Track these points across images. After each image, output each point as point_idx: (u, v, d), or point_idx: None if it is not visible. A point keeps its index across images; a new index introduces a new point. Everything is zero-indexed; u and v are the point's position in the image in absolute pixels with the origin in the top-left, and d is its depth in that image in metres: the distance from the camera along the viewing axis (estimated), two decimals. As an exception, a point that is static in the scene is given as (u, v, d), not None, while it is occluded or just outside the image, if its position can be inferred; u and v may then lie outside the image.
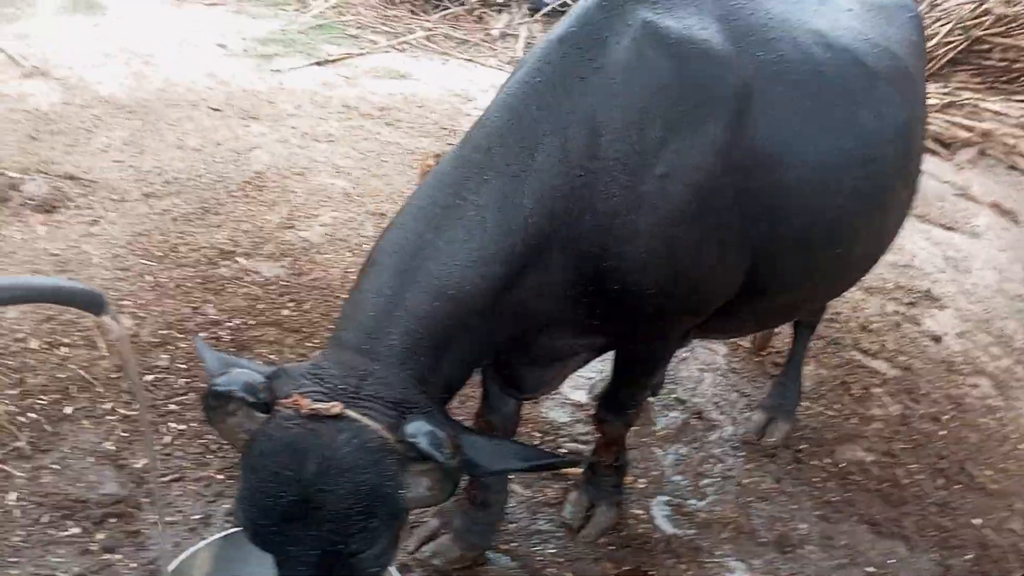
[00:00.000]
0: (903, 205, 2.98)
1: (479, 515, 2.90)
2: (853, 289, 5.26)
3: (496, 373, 2.61)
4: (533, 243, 2.09)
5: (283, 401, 1.79)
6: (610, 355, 4.01)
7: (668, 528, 3.23)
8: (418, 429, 1.75)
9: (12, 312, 3.56)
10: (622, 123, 2.16)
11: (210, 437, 3.16)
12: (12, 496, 2.79)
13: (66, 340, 3.49)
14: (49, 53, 6.24)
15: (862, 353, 4.69)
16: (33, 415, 3.10)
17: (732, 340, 4.43)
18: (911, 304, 5.36)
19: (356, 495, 1.72)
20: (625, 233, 2.20)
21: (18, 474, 2.86)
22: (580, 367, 2.74)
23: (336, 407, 1.76)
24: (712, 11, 2.36)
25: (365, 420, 1.76)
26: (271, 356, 3.63)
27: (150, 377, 3.39)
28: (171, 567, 2.28)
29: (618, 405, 2.87)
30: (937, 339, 5.00)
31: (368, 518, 1.74)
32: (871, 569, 3.25)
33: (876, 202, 2.69)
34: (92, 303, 1.59)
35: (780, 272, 2.57)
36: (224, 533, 2.55)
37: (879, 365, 4.61)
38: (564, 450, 3.51)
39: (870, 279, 5.46)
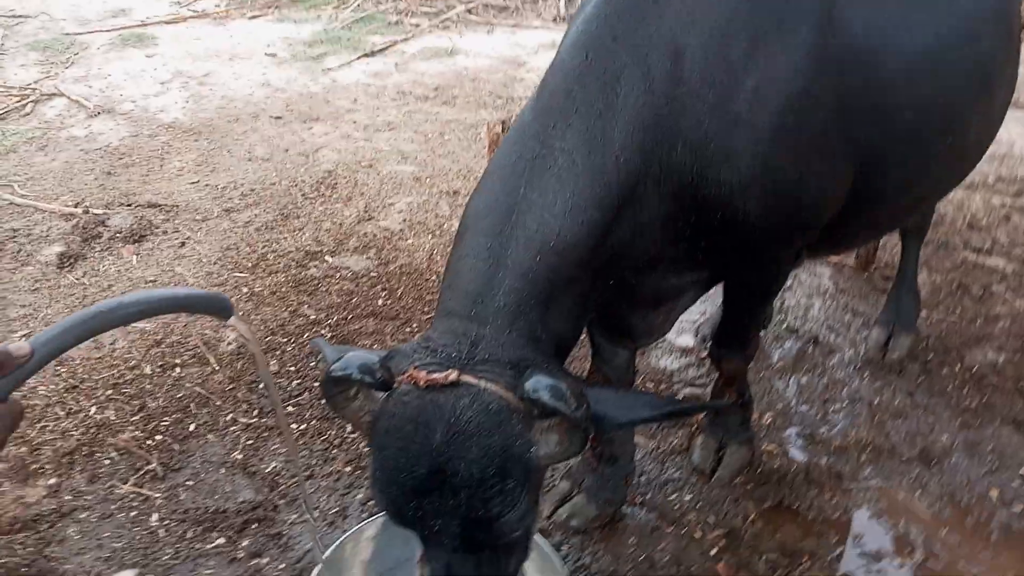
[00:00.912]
0: (1009, 84, 2.78)
1: (609, 471, 2.85)
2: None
3: (605, 324, 2.54)
4: (627, 181, 2.00)
5: (400, 378, 1.77)
6: (714, 293, 3.91)
7: (803, 458, 3.13)
8: (538, 383, 1.69)
9: (121, 342, 3.66)
10: (704, 41, 2.04)
11: (332, 432, 3.18)
12: (155, 517, 2.86)
13: (177, 361, 3.56)
14: (110, 91, 6.40)
15: (975, 252, 4.46)
16: (160, 437, 3.18)
17: (841, 256, 4.27)
18: (1017, 194, 5.08)
19: (487, 458, 1.67)
20: (721, 156, 2.08)
21: (156, 495, 2.93)
22: (689, 306, 2.65)
23: (452, 374, 1.71)
24: None
25: (483, 383, 1.71)
26: (373, 346, 3.63)
27: (262, 385, 3.44)
28: (325, 556, 2.30)
29: (735, 340, 2.77)
30: (1052, 225, 4.73)
31: (503, 480, 1.69)
32: (1025, 471, 3.09)
33: (983, 83, 2.53)
34: (220, 308, 1.59)
35: (893, 172, 2.43)
36: (371, 519, 2.57)
37: (995, 262, 4.38)
38: (681, 397, 3.43)
39: (970, 174, 5.20)
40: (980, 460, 3.15)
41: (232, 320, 1.62)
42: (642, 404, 1.86)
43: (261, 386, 3.41)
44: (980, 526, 2.88)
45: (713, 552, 2.75)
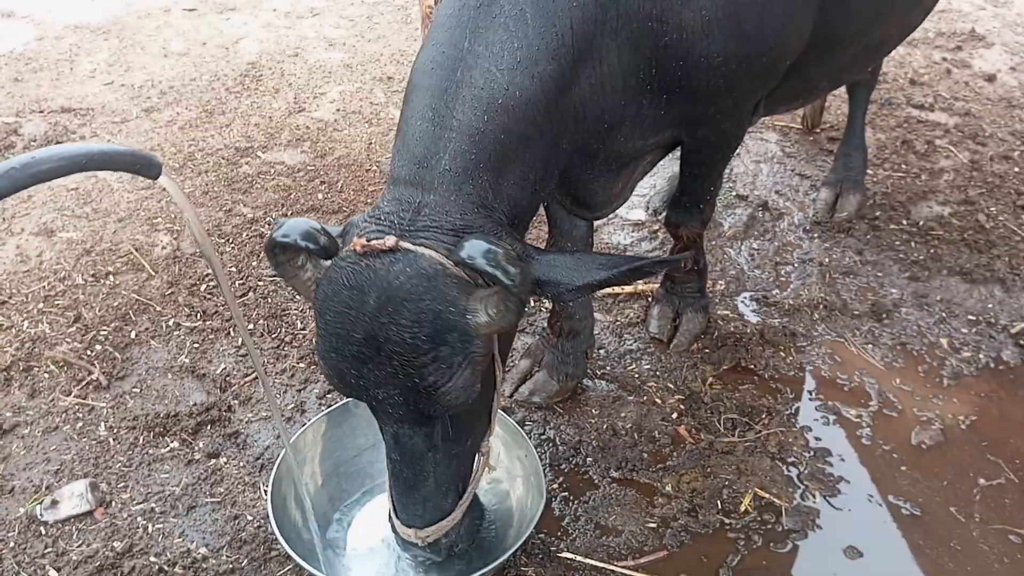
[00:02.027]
0: None
1: (569, 346, 2.82)
2: (895, 45, 4.98)
3: (565, 192, 2.45)
4: (582, 30, 1.88)
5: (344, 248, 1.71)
6: (662, 165, 3.85)
7: (759, 321, 3.14)
8: (474, 248, 1.63)
9: (48, 253, 3.47)
10: None
11: (283, 330, 3.09)
12: (103, 427, 2.76)
13: (110, 269, 3.40)
14: (6, -8, 5.92)
15: (917, 108, 4.46)
16: (99, 347, 3.04)
17: (786, 119, 4.23)
18: (957, 48, 5.06)
19: (419, 324, 1.62)
20: (664, 7, 1.97)
21: (101, 405, 2.83)
22: (646, 173, 2.58)
23: (390, 240, 1.65)
24: None
25: (420, 249, 1.65)
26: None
27: (204, 287, 3.30)
28: (286, 449, 2.25)
29: (693, 204, 2.72)
30: (991, 78, 4.74)
31: (436, 347, 1.64)
32: (972, 317, 3.15)
33: None
34: (147, 165, 1.46)
35: (856, 10, 2.36)
36: (330, 410, 2.52)
37: (937, 116, 4.38)
38: (635, 269, 3.40)
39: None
40: (930, 311, 3.20)
41: (162, 179, 1.50)
42: (597, 265, 1.78)
43: (200, 256, 3.27)
44: (932, 373, 2.95)
45: (674, 416, 2.77)
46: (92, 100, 4.57)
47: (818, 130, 4.20)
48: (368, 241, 1.65)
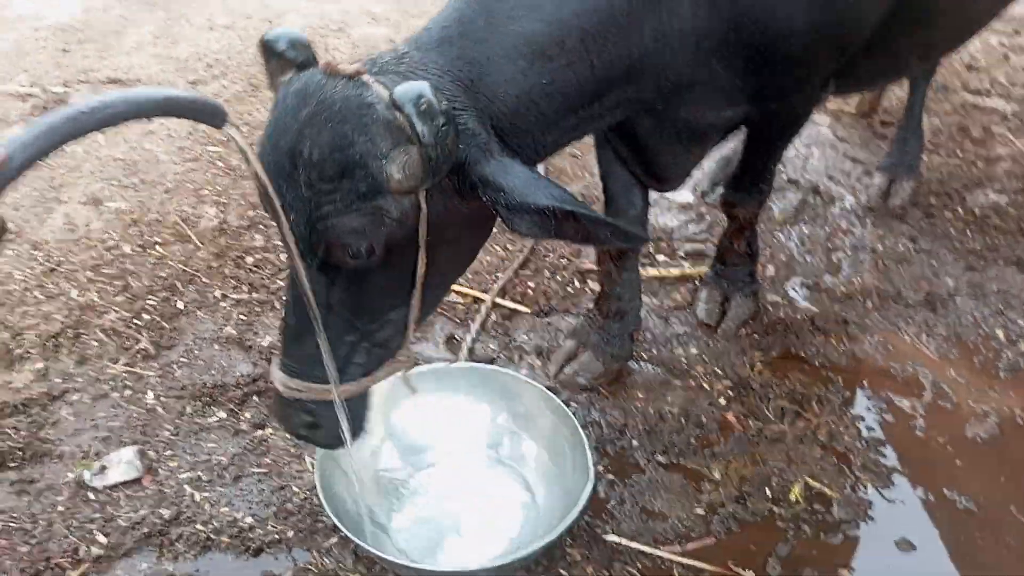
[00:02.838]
0: None
1: (615, 327, 2.79)
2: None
3: (635, 161, 2.44)
4: None
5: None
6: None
7: (810, 307, 3.08)
8: (407, 89, 1.57)
9: (96, 222, 3.49)
10: None
11: (326, 303, 3.08)
12: (150, 395, 2.78)
13: (157, 239, 3.41)
14: (54, -37, 5.96)
15: (973, 94, 4.34)
16: (147, 316, 3.06)
17: (838, 104, 4.13)
18: (1015, 32, 4.92)
19: (334, 147, 1.58)
20: None
21: (149, 374, 2.84)
22: (709, 150, 2.54)
23: (353, 67, 1.64)
24: None
25: (374, 84, 1.62)
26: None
27: (250, 260, 3.31)
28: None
29: (752, 182, 2.68)
30: (1051, 64, 4.59)
31: (342, 177, 1.60)
32: (1030, 309, 3.07)
33: None
34: (213, 113, 1.42)
35: None
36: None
37: (994, 103, 4.27)
38: (682, 254, 3.35)
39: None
40: (985, 301, 3.12)
41: (226, 128, 1.47)
42: (545, 192, 1.68)
43: (246, 228, 3.28)
44: (987, 365, 2.88)
45: (722, 402, 2.73)
46: (138, 71, 4.58)
47: (876, 114, 4.10)
48: (338, 65, 1.64)
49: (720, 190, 3.59)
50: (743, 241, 2.87)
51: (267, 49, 1.73)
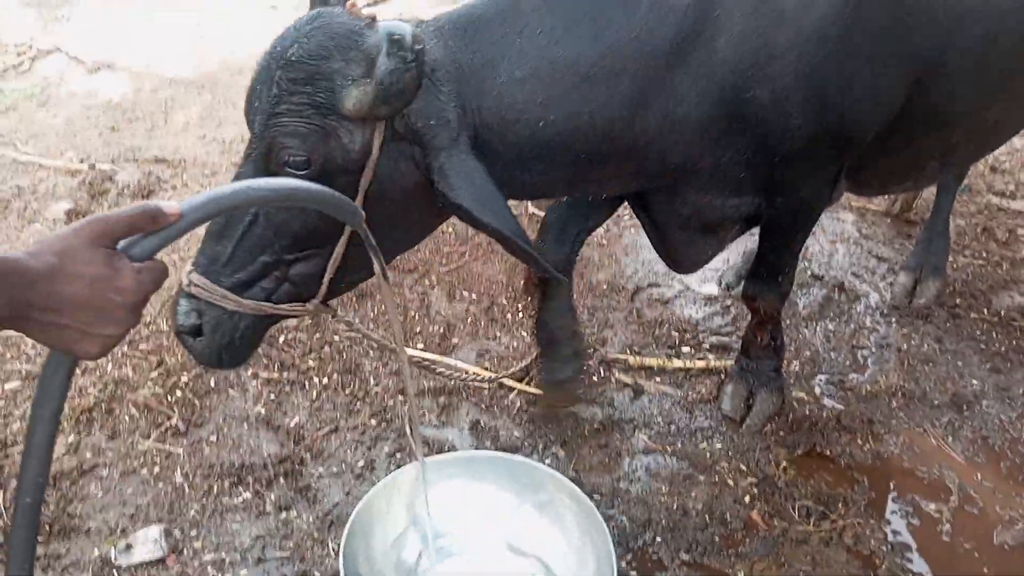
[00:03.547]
0: None
1: (552, 353, 2.94)
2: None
3: (654, 237, 2.56)
4: (650, 64, 1.97)
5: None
6: (736, 241, 3.84)
7: (835, 405, 3.08)
8: (392, 26, 1.73)
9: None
10: None
11: (356, 385, 3.14)
12: (179, 473, 2.81)
13: (193, 316, 3.49)
14: (108, 46, 6.24)
15: (998, 196, 4.39)
16: (180, 393, 3.12)
17: (863, 201, 4.19)
18: (1040, 136, 4.98)
19: (313, 54, 1.74)
20: (765, 55, 2.02)
21: (179, 451, 2.89)
22: (729, 243, 2.62)
23: (372, 12, 1.80)
24: None
25: (379, 27, 1.75)
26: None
27: (282, 339, 3.38)
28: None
29: (770, 276, 2.71)
30: (1076, 168, 4.64)
31: (307, 83, 1.74)
32: (1058, 414, 3.05)
33: None
34: (352, 212, 1.54)
35: (962, 92, 2.33)
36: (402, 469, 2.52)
37: (1019, 205, 4.31)
38: (707, 346, 3.38)
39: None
40: (1012, 404, 3.11)
41: (363, 228, 1.59)
42: (492, 211, 1.81)
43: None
44: (1014, 470, 2.86)
45: (747, 499, 2.72)
46: (184, 152, 4.76)
47: (912, 214, 4.14)
48: (357, 6, 1.81)
49: (744, 283, 3.66)
50: (766, 335, 2.90)
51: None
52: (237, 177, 1.90)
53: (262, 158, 1.83)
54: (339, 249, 1.91)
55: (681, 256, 2.60)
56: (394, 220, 1.94)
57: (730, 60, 2.00)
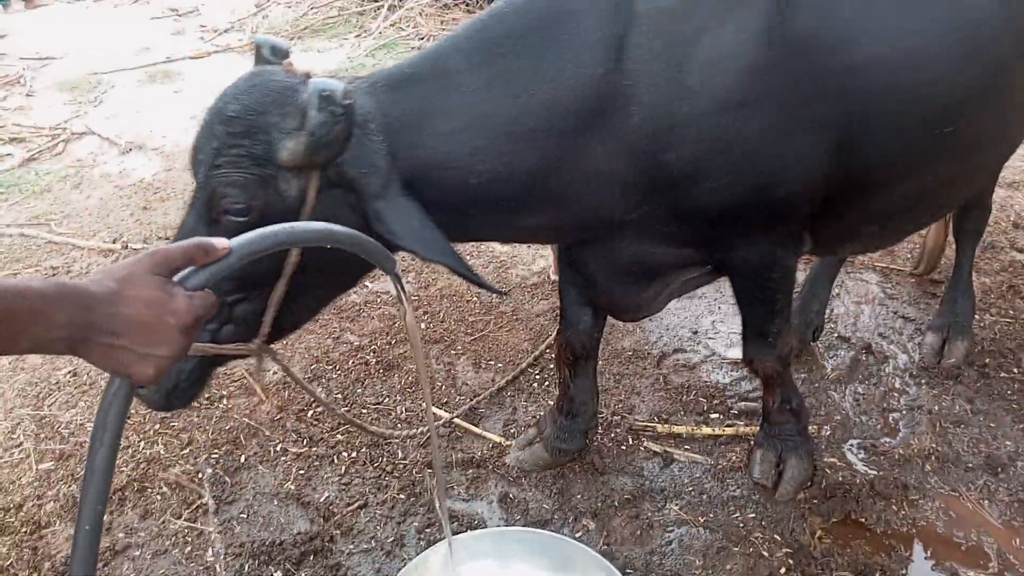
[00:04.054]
0: None
1: (567, 423, 2.98)
2: (996, 186, 4.94)
3: (591, 286, 2.62)
4: (566, 119, 2.06)
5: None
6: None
7: (867, 470, 3.05)
8: (324, 82, 1.82)
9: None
10: (663, 8, 2.07)
11: (384, 460, 3.15)
12: (210, 552, 2.82)
13: (224, 392, 3.54)
14: (140, 127, 6.45)
15: (1022, 252, 4.37)
16: (210, 470, 3.15)
17: (888, 261, 4.19)
18: (1061, 191, 4.99)
19: (251, 109, 1.86)
20: (675, 123, 2.08)
21: (210, 529, 2.90)
22: (685, 290, 2.67)
23: (307, 70, 1.94)
24: None
25: (311, 84, 1.84)
26: (415, 370, 3.60)
27: (311, 413, 3.41)
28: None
29: (756, 336, 2.70)
30: (1099, 222, 4.63)
31: (246, 135, 1.85)
32: (1096, 475, 3.00)
33: (992, 80, 2.37)
34: (387, 259, 1.61)
35: (881, 161, 2.33)
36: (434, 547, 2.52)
37: (1044, 261, 4.29)
38: (735, 411, 3.37)
39: (1010, 173, 5.11)
40: (1048, 466, 3.06)
41: (396, 272, 1.65)
42: (432, 246, 1.92)
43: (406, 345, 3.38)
44: (1055, 534, 2.79)
45: (782, 571, 2.68)
46: (213, 229, 4.86)
47: (936, 274, 4.12)
48: (292, 64, 1.96)
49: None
50: (777, 398, 2.88)
51: (256, 49, 2.08)
52: (181, 225, 2.03)
53: (204, 206, 1.94)
54: (280, 289, 2.00)
55: (620, 302, 2.62)
56: (334, 264, 2.01)
57: (643, 127, 2.07)
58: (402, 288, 1.74)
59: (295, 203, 1.91)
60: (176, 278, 1.25)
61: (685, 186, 2.16)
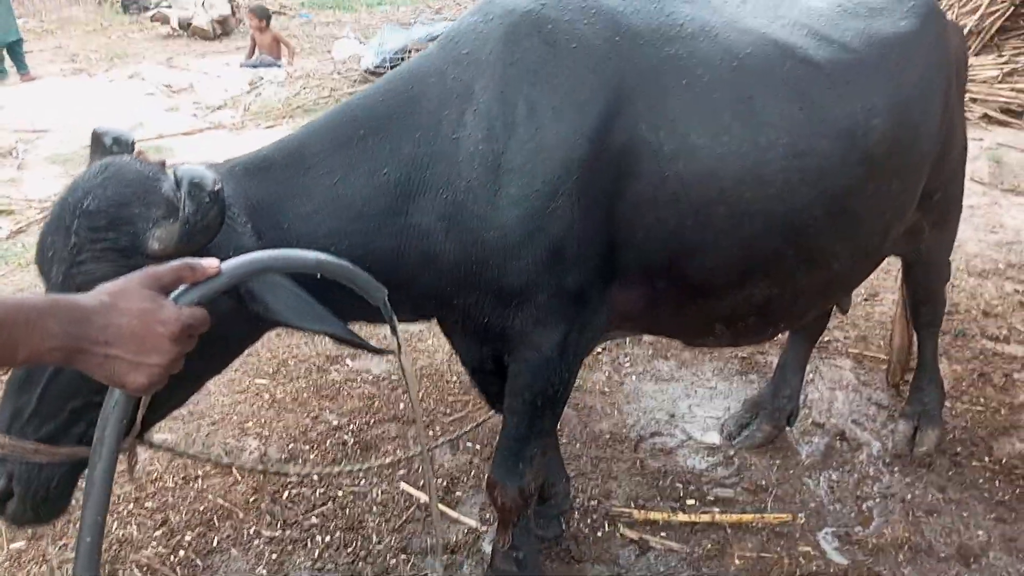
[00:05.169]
0: (889, 196, 2.66)
1: (539, 509, 3.01)
2: (965, 276, 5.07)
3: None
4: (401, 204, 2.15)
5: None
6: (737, 388, 3.90)
7: (842, 560, 3.06)
8: (191, 169, 1.76)
9: (143, 454, 3.63)
10: (488, 98, 2.16)
11: (358, 543, 3.13)
12: (179, 637, 2.79)
13: (199, 472, 3.53)
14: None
15: (992, 340, 4.47)
16: (183, 552, 3.12)
17: (741, 345, 4.09)
18: (1030, 279, 5.12)
19: (112, 202, 1.80)
20: (488, 208, 2.14)
21: (180, 613, 2.87)
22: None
23: (160, 159, 1.94)
24: (607, 11, 2.29)
25: (180, 171, 1.78)
26: (397, 452, 3.61)
27: (286, 495, 3.40)
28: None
29: (509, 458, 2.54)
30: (1066, 311, 4.75)
31: (109, 228, 1.79)
32: (1068, 566, 3.02)
33: (823, 195, 2.42)
34: (376, 289, 1.63)
35: (717, 267, 2.40)
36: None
37: (1013, 349, 4.39)
38: (712, 498, 3.38)
39: (979, 263, 5.26)
40: (1019, 556, 3.08)
41: (384, 303, 1.67)
42: (310, 316, 1.89)
43: (286, 460, 3.37)
44: (1028, 627, 2.80)
45: (756, 663, 2.67)
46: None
47: (901, 379, 4.14)
48: (144, 152, 1.95)
49: (746, 433, 3.70)
50: (508, 539, 2.71)
51: (95, 139, 2.01)
52: None
53: None
54: (144, 405, 1.91)
55: (463, 356, 2.65)
56: (208, 346, 1.90)
57: (471, 206, 2.15)
58: (392, 319, 1.75)
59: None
60: (171, 296, 1.32)
61: (499, 265, 2.20)
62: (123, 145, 2.02)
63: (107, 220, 1.80)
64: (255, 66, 11.48)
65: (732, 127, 2.28)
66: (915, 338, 3.78)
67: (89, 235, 1.80)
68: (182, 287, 1.33)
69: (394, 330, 1.80)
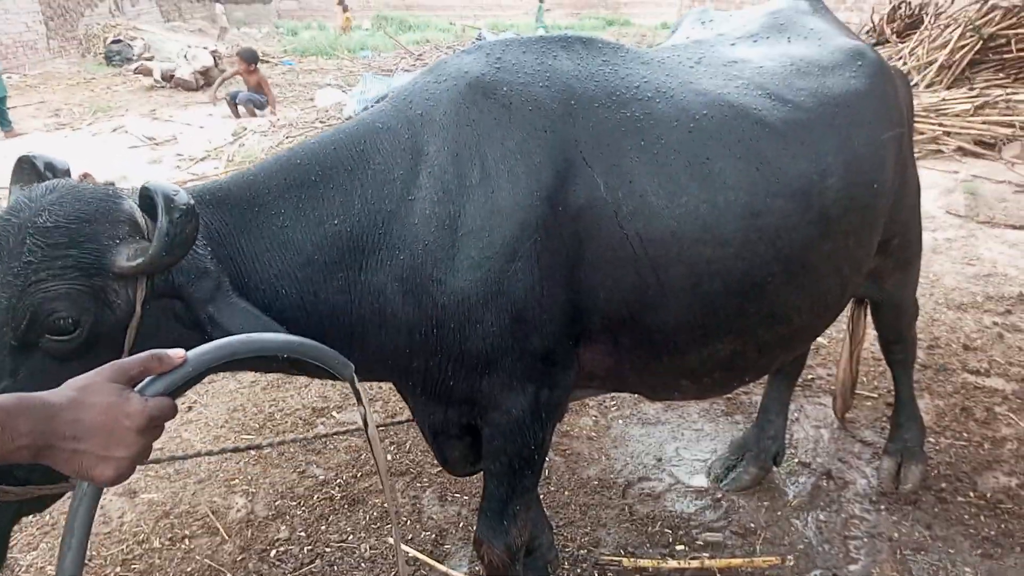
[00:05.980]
0: (847, 251, 2.67)
1: (528, 561, 2.97)
2: (945, 310, 5.14)
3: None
4: (353, 257, 2.13)
5: None
6: (724, 430, 3.92)
7: (831, 602, 3.07)
8: (163, 184, 1.73)
9: (130, 515, 3.61)
10: (443, 160, 2.16)
11: (348, 602, 3.12)
12: None
13: (186, 532, 3.51)
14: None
15: (973, 374, 4.52)
16: (171, 614, 3.10)
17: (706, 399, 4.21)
18: (1007, 312, 5.20)
19: (73, 218, 1.73)
20: (446, 272, 2.13)
21: None
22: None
23: (113, 180, 1.90)
24: (562, 74, 2.32)
25: (152, 186, 1.76)
26: (383, 504, 3.60)
27: (273, 552, 3.38)
28: None
29: (494, 516, 2.53)
30: (1045, 342, 4.81)
31: (70, 245, 1.72)
32: (1056, 602, 3.03)
33: (781, 253, 2.43)
34: (343, 366, 1.63)
35: (680, 324, 2.40)
36: None
37: (994, 382, 4.44)
38: (701, 543, 3.39)
39: (958, 296, 5.33)
40: (1008, 592, 3.10)
41: (352, 379, 1.67)
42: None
43: (271, 519, 3.35)
44: (1018, 665, 2.81)
45: None
46: (182, 360, 4.89)
47: (843, 415, 4.19)
48: (91, 174, 1.87)
49: (732, 475, 3.72)
50: None
51: (22, 164, 1.95)
52: None
53: (20, 330, 1.71)
54: None
55: (439, 456, 2.62)
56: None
57: (427, 267, 2.14)
58: (358, 393, 1.74)
59: (123, 315, 1.80)
60: (136, 388, 1.32)
61: (460, 329, 2.19)
62: (57, 171, 1.96)
63: (67, 237, 1.73)
64: (241, 102, 11.60)
65: (690, 188, 2.30)
66: (858, 374, 3.81)
67: (48, 252, 1.72)
68: (148, 379, 1.34)
69: (360, 401, 1.79)
